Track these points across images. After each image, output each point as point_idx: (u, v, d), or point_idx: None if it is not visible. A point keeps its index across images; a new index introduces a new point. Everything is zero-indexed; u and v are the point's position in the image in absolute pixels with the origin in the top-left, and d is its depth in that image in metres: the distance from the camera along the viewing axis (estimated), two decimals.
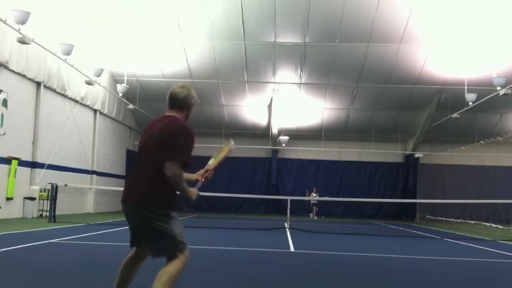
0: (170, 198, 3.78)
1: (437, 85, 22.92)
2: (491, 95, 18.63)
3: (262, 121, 27.26)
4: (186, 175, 4.09)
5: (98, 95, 21.70)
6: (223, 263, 7.60)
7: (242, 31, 19.90)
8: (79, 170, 20.71)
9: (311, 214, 26.19)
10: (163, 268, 3.67)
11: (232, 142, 4.48)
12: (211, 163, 4.29)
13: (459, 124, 23.94)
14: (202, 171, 4.24)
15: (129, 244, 4.00)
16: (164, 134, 3.77)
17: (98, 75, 19.30)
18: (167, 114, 4.03)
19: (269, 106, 25.52)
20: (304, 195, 25.16)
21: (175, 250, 3.71)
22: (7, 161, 15.32)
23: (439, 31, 19.34)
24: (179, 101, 4.03)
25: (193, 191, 3.94)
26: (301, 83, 23.67)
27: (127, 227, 3.95)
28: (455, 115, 21.63)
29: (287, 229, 15.23)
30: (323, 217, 25.79)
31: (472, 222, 20.98)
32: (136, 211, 3.79)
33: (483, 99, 19.61)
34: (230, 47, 21.08)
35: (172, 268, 3.65)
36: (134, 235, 3.96)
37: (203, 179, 4.21)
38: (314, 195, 25.55)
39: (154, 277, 3.62)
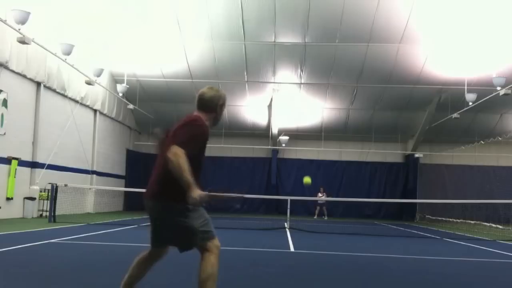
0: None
1: (437, 85, 22.92)
2: (491, 95, 18.64)
3: (262, 121, 27.26)
4: None
5: (98, 95, 21.70)
6: (223, 263, 7.57)
7: (242, 31, 19.89)
8: (79, 170, 20.70)
9: (323, 216, 25.97)
10: (201, 271, 3.67)
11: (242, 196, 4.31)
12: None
13: (459, 124, 23.96)
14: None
15: (147, 244, 4.01)
16: (176, 127, 3.81)
17: (98, 75, 19.31)
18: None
19: (269, 106, 25.51)
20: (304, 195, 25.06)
21: (202, 240, 3.72)
22: (7, 161, 15.32)
23: (439, 31, 19.34)
24: (204, 102, 4.00)
25: (198, 191, 3.59)
26: (301, 83, 23.67)
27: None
28: (455, 115, 21.64)
29: (287, 229, 15.23)
30: (324, 218, 25.69)
31: (472, 222, 20.97)
32: (154, 205, 3.80)
33: (483, 99, 19.61)
34: (230, 47, 21.07)
35: (208, 267, 3.68)
36: (154, 233, 3.94)
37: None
38: (320, 195, 25.49)
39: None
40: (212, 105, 4.00)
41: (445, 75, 21.87)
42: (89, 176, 21.80)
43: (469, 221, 21.20)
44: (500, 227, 18.25)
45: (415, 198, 26.40)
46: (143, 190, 3.99)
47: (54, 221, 14.21)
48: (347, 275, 7.10)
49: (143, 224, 13.77)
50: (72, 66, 17.29)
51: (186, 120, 3.85)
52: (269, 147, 28.26)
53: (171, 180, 3.63)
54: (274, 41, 20.63)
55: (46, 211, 16.04)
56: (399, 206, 27.72)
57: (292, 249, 10.17)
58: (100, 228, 13.19)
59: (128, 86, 21.43)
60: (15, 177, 15.54)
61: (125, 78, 21.27)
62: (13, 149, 15.64)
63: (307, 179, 7.66)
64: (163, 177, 3.74)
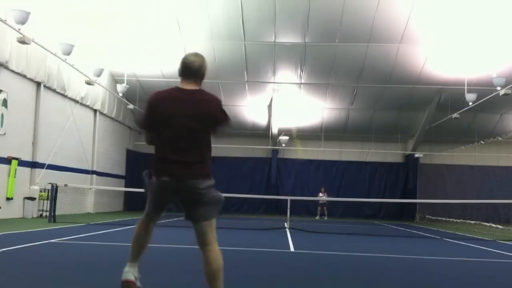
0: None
1: (437, 85, 22.92)
2: (491, 95, 18.63)
3: (262, 121, 27.26)
4: None
5: (98, 95, 21.70)
6: (223, 263, 7.59)
7: (242, 31, 19.89)
8: (79, 170, 20.70)
9: (323, 216, 25.94)
10: (214, 261, 3.99)
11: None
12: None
13: (459, 124, 23.94)
14: None
15: (147, 214, 4.26)
16: (208, 116, 3.94)
17: (98, 75, 19.30)
18: (184, 87, 4.02)
19: (269, 106, 25.52)
20: (304, 195, 25.07)
21: (216, 212, 4.10)
22: (7, 161, 15.32)
23: (439, 31, 19.34)
24: (194, 70, 4.00)
25: None
26: (301, 83, 23.67)
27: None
28: (455, 115, 21.63)
29: (287, 229, 15.23)
30: (325, 217, 25.68)
31: (472, 222, 20.96)
32: (192, 184, 3.93)
33: (483, 99, 19.61)
34: (230, 47, 21.07)
35: (219, 257, 4.04)
36: (163, 205, 4.19)
37: None
38: (321, 195, 25.47)
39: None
40: (201, 73, 4.03)
41: (445, 75, 21.87)
42: (89, 176, 21.80)
43: (469, 221, 21.19)
44: (500, 227, 18.23)
45: (415, 198, 26.40)
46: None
47: (54, 221, 14.21)
48: (347, 275, 7.10)
49: None
50: (72, 66, 17.27)
51: (213, 107, 4.00)
52: (269, 147, 28.27)
53: (208, 162, 4.02)
54: (274, 41, 20.63)
55: (46, 211, 16.03)
56: (399, 206, 27.73)
57: (292, 249, 10.16)
58: (100, 228, 13.18)
59: (128, 86, 21.42)
60: (15, 177, 15.54)
61: (125, 78, 21.26)
62: (13, 149, 15.64)
63: (297, 145, 7.55)
64: (207, 159, 4.00)
